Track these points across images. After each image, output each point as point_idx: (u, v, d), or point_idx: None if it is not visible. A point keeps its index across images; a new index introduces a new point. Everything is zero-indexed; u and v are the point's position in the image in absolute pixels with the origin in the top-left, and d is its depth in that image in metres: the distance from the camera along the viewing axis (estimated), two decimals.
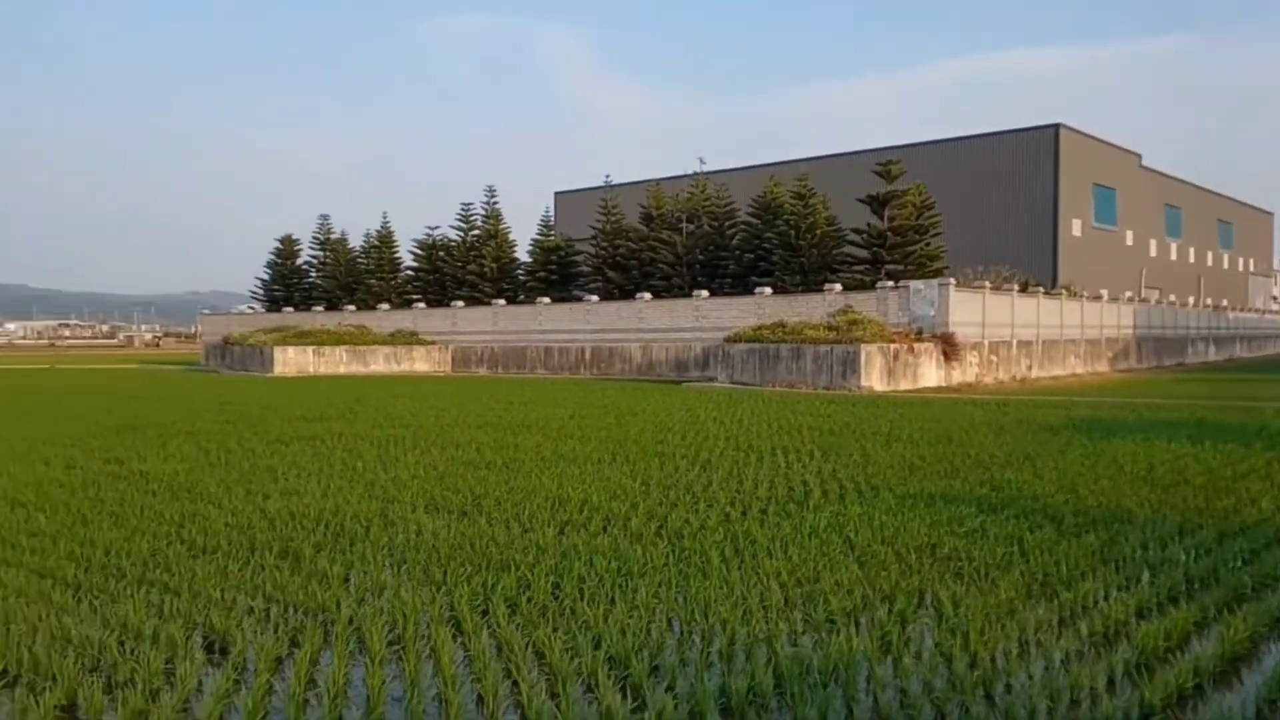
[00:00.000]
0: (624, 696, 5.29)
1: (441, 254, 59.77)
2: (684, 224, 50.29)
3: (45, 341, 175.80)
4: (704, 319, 41.81)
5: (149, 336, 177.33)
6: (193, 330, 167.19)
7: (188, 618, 6.62)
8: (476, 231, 59.14)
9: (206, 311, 77.03)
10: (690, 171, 52.99)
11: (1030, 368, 40.55)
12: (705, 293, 43.55)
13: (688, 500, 10.70)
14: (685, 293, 45.86)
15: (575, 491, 11.10)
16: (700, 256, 48.73)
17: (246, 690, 5.40)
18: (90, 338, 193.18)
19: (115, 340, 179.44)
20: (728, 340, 36.88)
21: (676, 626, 6.56)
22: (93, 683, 5.38)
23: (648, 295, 45.90)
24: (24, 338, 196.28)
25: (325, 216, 67.30)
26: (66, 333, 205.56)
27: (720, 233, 49.18)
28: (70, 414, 22.99)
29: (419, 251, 60.99)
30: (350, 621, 6.51)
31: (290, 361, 48.24)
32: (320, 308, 61.60)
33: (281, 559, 8.21)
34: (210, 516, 9.88)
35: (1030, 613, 6.66)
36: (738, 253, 47.27)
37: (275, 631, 6.38)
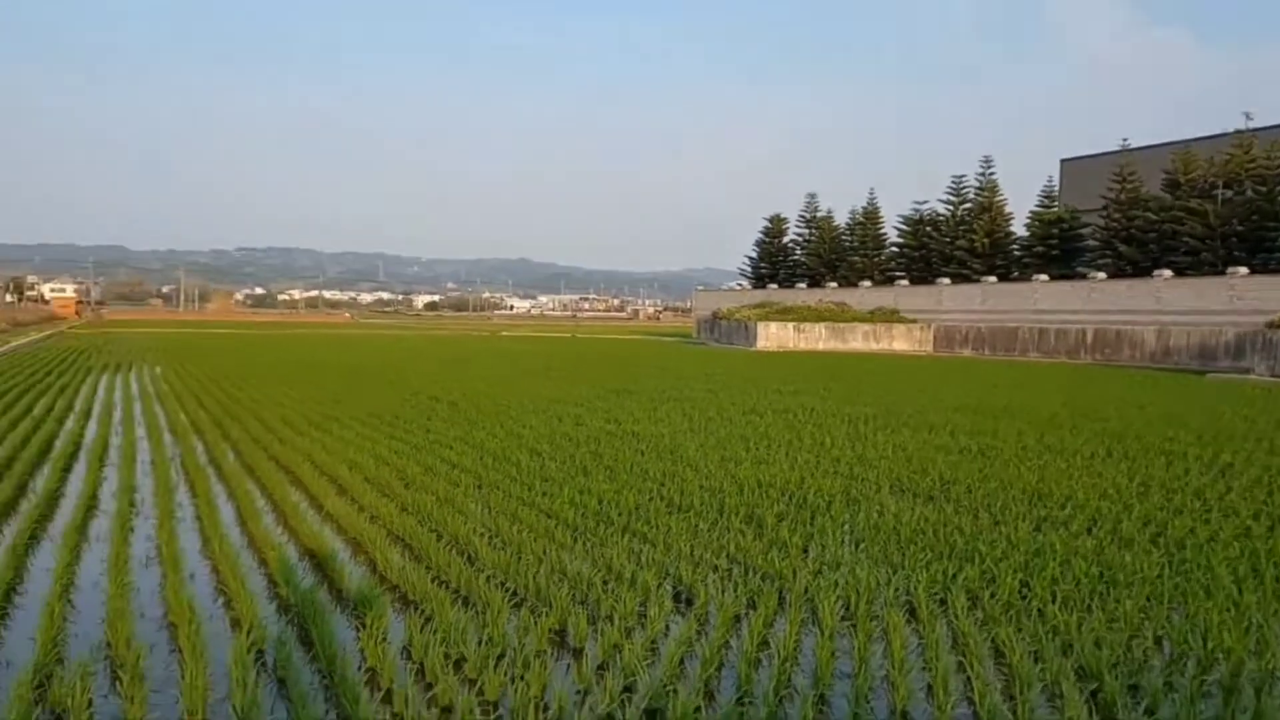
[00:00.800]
0: (1091, 712, 4.72)
1: (928, 229, 58.44)
2: (1219, 190, 43.57)
3: (568, 313, 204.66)
4: (1240, 300, 35.94)
5: (651, 310, 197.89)
6: (688, 305, 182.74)
7: (661, 567, 7.20)
8: (967, 205, 56.89)
9: (700, 288, 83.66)
10: (1230, 130, 45.76)
11: None
12: (1244, 270, 37.39)
13: (1196, 507, 9.27)
14: (1217, 270, 39.81)
15: (1058, 487, 10.18)
16: (1239, 228, 41.91)
17: (705, 640, 5.72)
18: (604, 310, 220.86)
19: (624, 313, 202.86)
20: (1270, 326, 31.32)
21: (1166, 647, 5.70)
22: (579, 614, 6.06)
23: (1167, 272, 40.61)
24: (552, 309, 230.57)
25: (812, 195, 69.42)
26: (585, 306, 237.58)
27: (1270, 199, 41.80)
28: (582, 377, 26.34)
29: (904, 227, 60.24)
30: (805, 592, 6.61)
31: (771, 336, 50.53)
32: (803, 284, 63.63)
33: (746, 524, 8.59)
34: (687, 478, 10.66)
35: None
36: None
37: (735, 591, 6.68)
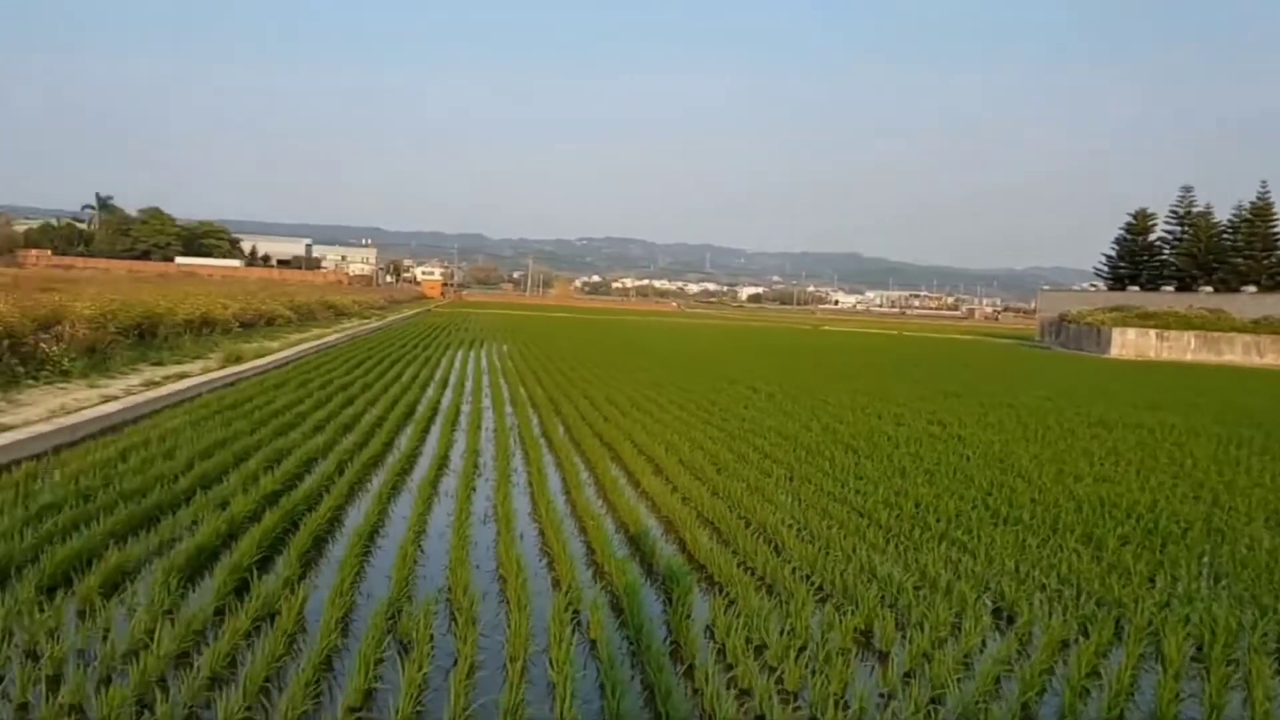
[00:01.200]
0: None
1: None
2: None
3: (896, 310, 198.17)
4: None
5: (989, 310, 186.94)
6: (1031, 306, 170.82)
7: (980, 580, 6.74)
8: None
9: (1046, 288, 77.69)
10: None
11: None
12: None
13: None
14: None
15: None
16: None
17: (1025, 662, 5.27)
18: (936, 309, 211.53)
19: (958, 312, 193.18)
20: None
21: None
22: (886, 617, 5.82)
23: None
24: (879, 305, 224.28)
25: (1188, 189, 62.19)
26: (916, 303, 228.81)
27: None
28: (906, 376, 25.38)
29: None
30: (1149, 624, 5.89)
31: (1129, 344, 45.81)
32: (1170, 288, 57.09)
33: (1083, 544, 7.82)
34: (1017, 489, 9.91)
35: None
36: None
37: (1064, 614, 6.10)
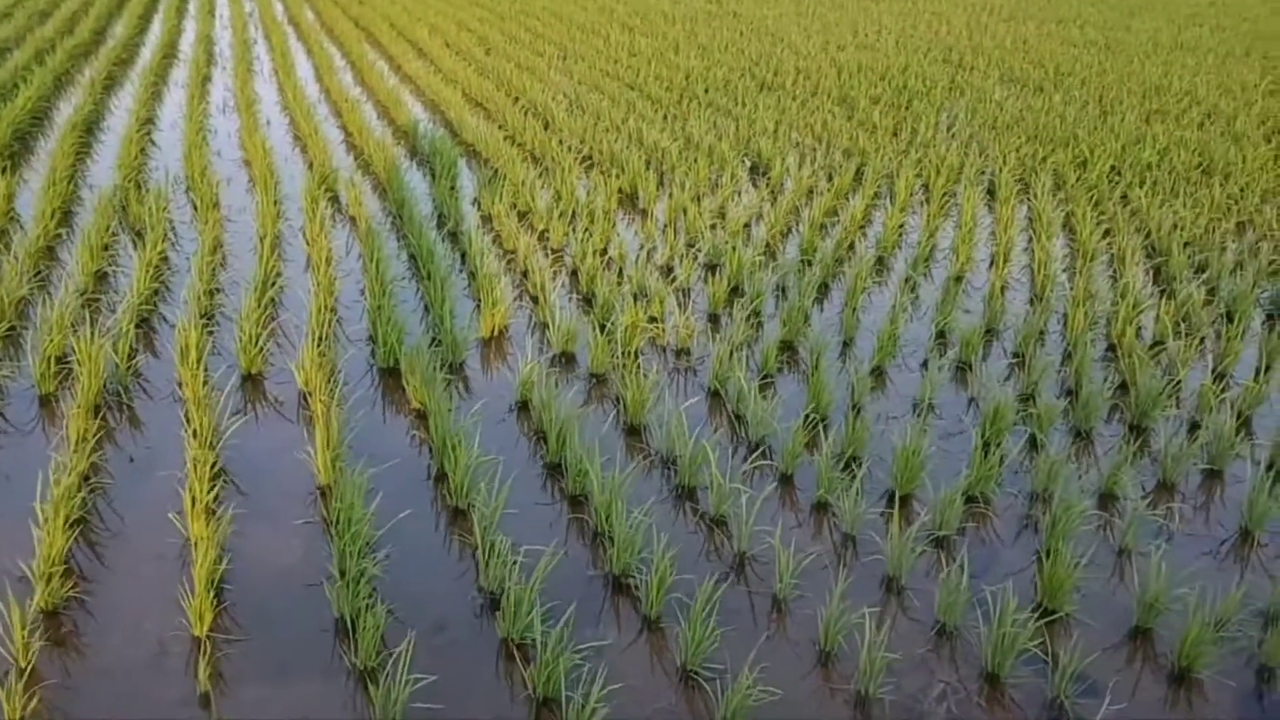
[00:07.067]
0: (1149, 283, 4.63)
1: None
2: None
3: None
4: None
5: None
6: None
7: (741, 141, 6.90)
8: None
9: None
10: None
11: None
12: None
13: None
14: None
15: (1180, 82, 9.25)
16: None
17: (773, 208, 5.57)
18: None
19: None
20: None
21: (1248, 233, 5.40)
22: (649, 178, 5.91)
23: None
24: None
25: None
26: None
27: None
28: None
29: None
30: (885, 170, 6.30)
31: None
32: None
33: (838, 105, 8.09)
34: (784, 59, 9.97)
35: None
36: None
37: (812, 165, 6.41)
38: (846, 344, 4.03)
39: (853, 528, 2.81)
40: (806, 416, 3.32)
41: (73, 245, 4.56)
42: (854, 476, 2.98)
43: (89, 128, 6.44)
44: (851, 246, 5.07)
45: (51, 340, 3.42)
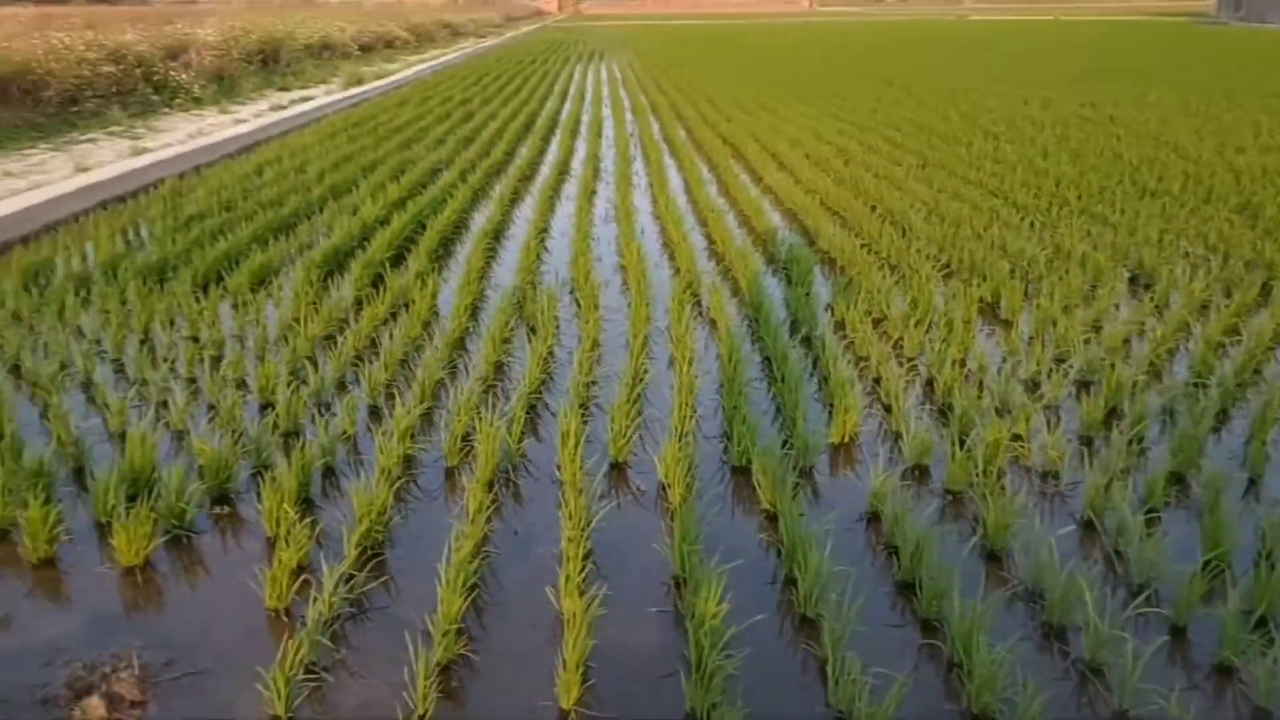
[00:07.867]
0: None
1: None
2: None
3: None
4: None
5: None
6: None
7: (1118, 251, 6.43)
8: None
9: None
10: None
11: None
12: None
13: None
14: None
15: None
16: None
17: (1159, 322, 5.10)
18: None
19: None
20: None
21: None
22: (1014, 288, 5.67)
23: None
24: None
25: None
26: None
27: None
28: (1059, 62, 23.29)
29: None
30: None
31: None
32: None
33: (1237, 213, 7.31)
34: (1169, 163, 9.22)
35: None
36: None
37: (1207, 279, 5.80)
38: (1253, 480, 3.56)
39: (1267, 701, 2.44)
40: (1206, 562, 2.95)
41: (478, 337, 5.20)
42: (1271, 641, 2.59)
43: (496, 235, 7.37)
44: (1258, 370, 4.50)
45: (459, 420, 3.90)
